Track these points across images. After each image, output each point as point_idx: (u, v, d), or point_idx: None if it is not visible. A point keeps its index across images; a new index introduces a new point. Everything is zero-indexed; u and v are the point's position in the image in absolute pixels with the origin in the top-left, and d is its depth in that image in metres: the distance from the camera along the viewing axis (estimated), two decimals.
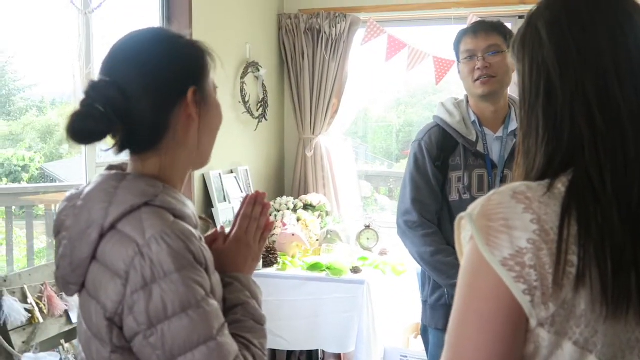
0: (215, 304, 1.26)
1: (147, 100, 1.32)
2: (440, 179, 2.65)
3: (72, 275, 1.32)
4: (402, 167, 6.52)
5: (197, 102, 1.36)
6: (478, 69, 2.55)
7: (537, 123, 1.09)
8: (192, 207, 1.40)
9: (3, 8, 3.65)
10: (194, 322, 1.21)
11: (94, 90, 1.31)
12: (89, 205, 1.29)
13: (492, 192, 1.06)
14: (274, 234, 4.23)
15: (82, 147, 3.18)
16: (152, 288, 1.21)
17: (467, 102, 2.70)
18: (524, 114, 1.12)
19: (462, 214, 1.05)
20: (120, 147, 1.35)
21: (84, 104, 1.30)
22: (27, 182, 6.14)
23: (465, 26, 4.23)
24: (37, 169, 6.46)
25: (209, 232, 1.54)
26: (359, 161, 5.91)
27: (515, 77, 1.25)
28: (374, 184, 5.72)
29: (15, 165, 6.28)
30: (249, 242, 1.50)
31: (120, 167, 1.41)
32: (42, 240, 4.75)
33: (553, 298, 0.97)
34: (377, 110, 6.28)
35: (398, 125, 6.56)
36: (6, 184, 5.86)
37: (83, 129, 1.29)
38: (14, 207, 4.28)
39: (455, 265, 2.54)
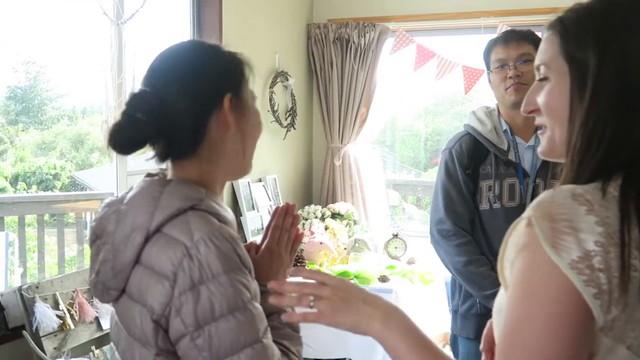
0: (260, 308, 1.28)
1: (185, 107, 1.34)
2: (471, 188, 2.64)
3: (114, 280, 1.33)
4: (430, 176, 6.53)
5: (233, 110, 1.38)
6: (510, 77, 2.54)
7: (603, 124, 1.06)
8: (232, 214, 1.43)
9: (36, 18, 3.71)
10: (241, 323, 1.23)
11: (134, 100, 1.34)
12: (133, 209, 1.31)
13: (547, 193, 1.02)
14: (302, 243, 4.24)
15: (113, 156, 3.22)
16: (200, 289, 1.22)
17: (499, 111, 2.68)
18: (584, 112, 1.08)
19: (523, 216, 1.02)
20: (160, 155, 1.38)
21: (125, 113, 1.34)
22: (59, 191, 6.22)
23: (494, 35, 4.25)
24: (67, 178, 6.54)
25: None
26: (387, 170, 5.90)
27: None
28: (401, 192, 5.71)
29: (46, 174, 6.36)
30: (280, 253, 1.52)
31: (159, 175, 1.44)
32: (73, 248, 4.81)
33: (617, 302, 0.95)
34: (404, 119, 6.27)
35: (426, 134, 6.54)
36: (37, 192, 5.94)
37: (124, 137, 1.32)
38: (45, 215, 4.33)
39: (488, 276, 2.52)
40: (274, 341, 1.32)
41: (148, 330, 1.28)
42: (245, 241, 1.56)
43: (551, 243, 0.96)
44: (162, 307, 1.25)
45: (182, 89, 1.35)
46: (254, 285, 1.30)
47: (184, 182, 1.37)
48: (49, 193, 5.91)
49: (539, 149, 1.24)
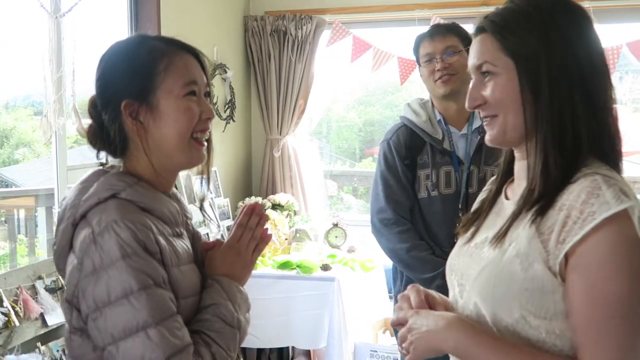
0: (163, 294, 1.32)
1: (104, 112, 1.46)
2: (410, 177, 2.73)
3: (60, 263, 1.45)
4: (364, 166, 6.63)
5: (138, 113, 1.44)
6: (438, 70, 2.66)
7: (569, 104, 1.26)
8: (170, 204, 1.49)
9: None
10: (135, 308, 1.28)
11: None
12: (70, 198, 1.43)
13: (610, 182, 1.20)
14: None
15: (53, 151, 3.20)
16: (100, 274, 1.30)
17: (432, 102, 2.78)
18: (547, 97, 1.27)
19: (624, 206, 1.17)
20: (98, 152, 1.51)
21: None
22: None
23: (428, 27, 4.37)
24: None
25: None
26: (323, 161, 5.97)
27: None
28: (338, 183, 5.79)
29: None
30: (240, 250, 1.55)
31: (116, 167, 1.52)
32: (2, 246, 4.69)
33: None
34: (337, 110, 6.34)
35: (359, 125, 6.62)
36: None
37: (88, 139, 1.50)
38: None
39: (430, 261, 2.63)
40: (200, 331, 1.38)
41: (65, 309, 1.40)
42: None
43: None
44: (72, 288, 1.35)
45: (97, 94, 1.49)
46: (161, 272, 1.34)
47: (120, 173, 1.47)
48: None
49: (488, 138, 1.39)
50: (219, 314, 1.42)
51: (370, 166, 7.08)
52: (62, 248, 1.42)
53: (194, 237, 1.62)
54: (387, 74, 4.76)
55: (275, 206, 4.57)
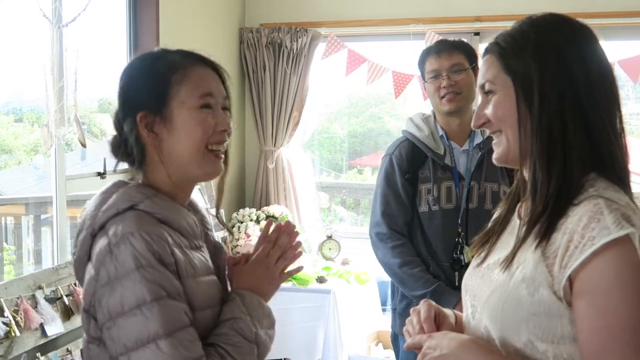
0: (176, 306, 1.33)
1: (124, 123, 1.50)
2: (411, 192, 2.75)
3: (79, 273, 1.47)
4: (351, 178, 6.65)
5: (153, 125, 1.47)
6: (443, 87, 2.68)
7: (559, 122, 1.28)
8: (189, 217, 1.50)
9: None
10: (147, 319, 1.29)
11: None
12: (90, 208, 1.45)
13: (612, 207, 1.20)
14: (237, 245, 4.28)
15: (52, 160, 3.19)
16: (115, 284, 1.31)
17: (434, 117, 2.81)
18: (537, 114, 1.29)
19: (625, 232, 1.17)
20: (117, 163, 1.54)
21: None
22: None
23: (423, 41, 4.42)
24: None
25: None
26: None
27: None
28: (330, 194, 5.81)
29: None
30: (268, 265, 1.56)
31: (134, 179, 1.54)
32: None
33: None
34: (321, 121, 6.37)
35: (341, 137, 6.64)
36: None
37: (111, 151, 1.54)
38: None
39: (421, 277, 2.65)
40: (216, 344, 1.38)
41: (82, 319, 1.43)
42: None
43: None
44: (89, 298, 1.38)
45: (118, 105, 1.53)
46: (175, 284, 1.35)
47: (139, 185, 1.48)
48: None
49: (494, 157, 1.41)
50: (236, 328, 1.42)
51: (356, 178, 7.11)
52: (81, 258, 1.44)
53: (216, 248, 1.62)
54: (371, 86, 4.79)
55: (269, 217, 4.57)
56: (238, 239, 4.36)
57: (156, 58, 1.52)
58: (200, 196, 4.27)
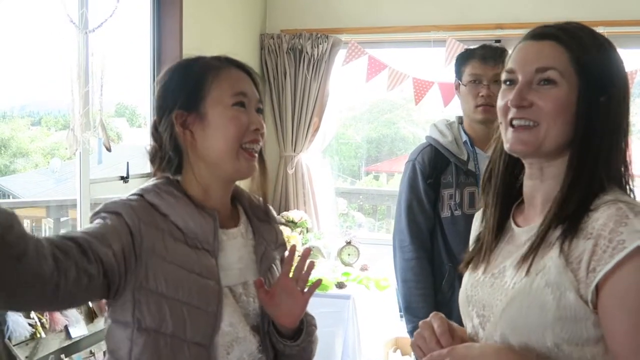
0: (105, 227, 1.42)
1: (160, 127, 1.56)
2: (432, 197, 2.76)
3: None
4: (368, 184, 6.65)
5: (188, 124, 1.52)
6: (482, 95, 2.64)
7: (615, 136, 1.31)
8: (202, 220, 1.53)
9: None
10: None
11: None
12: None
13: (638, 211, 1.21)
14: None
15: (76, 164, 3.22)
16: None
17: (460, 122, 2.81)
18: (605, 123, 1.30)
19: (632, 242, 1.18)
20: (156, 171, 1.61)
21: None
22: None
23: (443, 48, 4.43)
24: None
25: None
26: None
27: None
28: (348, 200, 5.81)
29: None
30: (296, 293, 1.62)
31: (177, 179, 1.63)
32: None
33: None
34: (336, 127, 6.38)
35: (359, 142, 6.64)
36: None
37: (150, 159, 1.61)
38: None
39: (416, 302, 2.75)
40: None
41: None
42: None
43: None
44: None
45: (155, 109, 1.59)
46: (107, 229, 1.43)
47: (163, 182, 1.56)
48: None
49: (515, 143, 1.34)
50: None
51: (372, 184, 7.11)
52: None
53: (263, 258, 1.66)
54: (386, 92, 4.80)
55: (289, 223, 4.59)
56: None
57: (192, 61, 1.58)
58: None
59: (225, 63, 1.58)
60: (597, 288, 1.21)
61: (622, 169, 1.33)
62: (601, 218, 1.22)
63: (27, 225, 4.61)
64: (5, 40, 3.26)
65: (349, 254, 4.49)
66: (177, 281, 1.45)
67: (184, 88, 1.53)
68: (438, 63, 4.40)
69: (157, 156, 1.57)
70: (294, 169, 4.86)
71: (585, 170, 1.29)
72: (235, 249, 1.59)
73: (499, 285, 1.38)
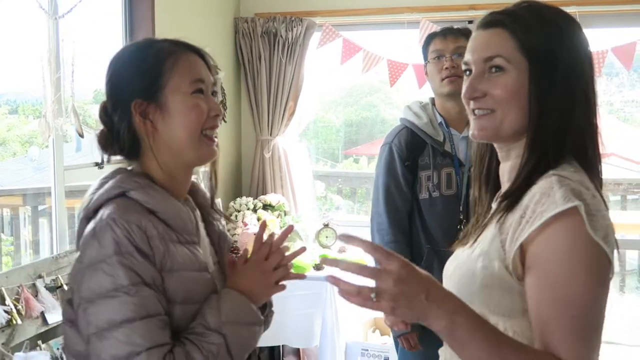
0: (150, 293, 1.37)
1: (114, 114, 1.52)
2: (410, 179, 2.78)
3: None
4: (347, 167, 6.68)
5: (147, 113, 1.50)
6: (446, 68, 2.71)
7: (569, 111, 1.31)
8: (182, 211, 1.52)
9: None
10: (122, 303, 1.34)
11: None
12: (87, 193, 1.51)
13: (572, 186, 1.23)
14: (235, 234, 4.31)
15: (50, 151, 3.20)
16: (95, 267, 1.36)
17: (433, 104, 2.83)
18: (557, 101, 1.31)
19: (571, 205, 1.19)
20: (109, 157, 1.56)
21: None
22: None
23: (417, 30, 4.44)
24: None
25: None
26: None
27: None
28: (326, 183, 5.83)
29: None
30: (265, 270, 1.56)
31: (132, 168, 1.58)
32: None
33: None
34: (316, 111, 6.39)
35: (337, 126, 6.66)
36: None
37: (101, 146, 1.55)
38: None
39: None
40: (183, 335, 1.42)
41: (63, 300, 1.51)
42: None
43: (590, 225, 1.17)
44: (72, 279, 1.44)
45: (107, 96, 1.55)
46: (151, 272, 1.39)
47: (136, 173, 1.52)
48: None
49: (476, 132, 1.40)
50: (201, 319, 1.45)
51: (352, 167, 7.14)
52: (77, 241, 1.49)
53: (220, 239, 1.67)
54: (366, 74, 4.81)
55: (267, 206, 4.60)
56: (236, 228, 4.38)
57: (145, 47, 1.55)
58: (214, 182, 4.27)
59: (179, 47, 1.55)
60: (522, 259, 1.24)
61: (587, 144, 1.33)
62: (534, 190, 1.26)
63: (6, 214, 4.58)
64: None
65: (326, 237, 4.51)
66: (186, 285, 1.46)
67: (141, 77, 1.51)
68: (412, 45, 4.41)
69: (109, 142, 1.54)
70: (270, 152, 4.85)
71: (536, 149, 1.31)
72: (202, 234, 1.62)
73: (457, 255, 1.45)
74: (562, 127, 1.31)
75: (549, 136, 1.31)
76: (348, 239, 1.24)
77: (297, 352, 4.36)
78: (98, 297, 1.35)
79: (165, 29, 3.76)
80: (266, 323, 1.67)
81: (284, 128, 4.87)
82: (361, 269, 1.20)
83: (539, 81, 1.31)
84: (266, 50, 4.79)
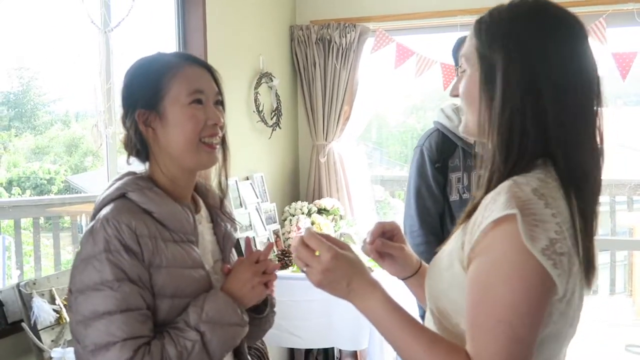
0: (130, 288, 1.49)
1: (126, 122, 1.67)
2: (441, 181, 2.80)
3: None
4: None
5: (150, 121, 1.63)
6: None
7: (519, 114, 1.26)
8: (179, 212, 1.63)
9: (27, 27, 3.84)
10: (106, 296, 1.47)
11: None
12: (99, 194, 1.65)
13: (514, 189, 1.21)
14: (289, 238, 4.39)
15: (105, 159, 3.36)
16: (87, 262, 1.50)
17: None
18: (500, 104, 1.27)
19: (509, 212, 1.17)
20: (128, 157, 1.73)
21: None
22: (54, 195, 6.29)
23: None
24: (62, 182, 6.62)
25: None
26: (375, 166, 6.05)
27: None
28: (389, 188, 5.83)
29: (41, 179, 6.44)
30: (256, 272, 1.70)
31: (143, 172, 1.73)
32: (69, 250, 4.91)
33: (571, 277, 1.20)
34: (394, 115, 6.41)
35: (419, 130, 6.65)
36: (31, 197, 6.02)
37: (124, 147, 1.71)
38: (40, 219, 4.45)
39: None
40: (168, 332, 1.53)
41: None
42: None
43: (527, 235, 1.15)
44: (71, 270, 1.58)
45: (122, 105, 1.70)
46: (137, 270, 1.51)
47: (139, 177, 1.66)
48: (44, 197, 6.00)
49: (460, 127, 1.44)
50: (183, 316, 1.57)
51: None
52: None
53: (224, 238, 1.79)
54: (414, 78, 4.80)
55: (321, 211, 4.66)
56: (290, 232, 4.47)
57: (152, 60, 1.69)
58: (251, 189, 4.39)
59: (182, 61, 1.67)
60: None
61: (569, 153, 1.27)
62: (489, 195, 1.25)
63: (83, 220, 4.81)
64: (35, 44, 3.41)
65: None
66: (175, 281, 1.57)
67: (144, 88, 1.64)
68: None
69: (128, 145, 1.69)
70: (325, 157, 4.92)
71: (500, 152, 1.28)
72: (204, 233, 1.73)
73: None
74: (522, 134, 1.26)
75: (504, 142, 1.27)
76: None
77: (354, 354, 4.39)
78: (87, 288, 1.49)
79: (218, 39, 3.89)
80: (268, 322, 1.81)
81: (339, 133, 4.92)
82: (305, 247, 1.38)
83: (485, 83, 1.30)
84: (321, 56, 4.87)
